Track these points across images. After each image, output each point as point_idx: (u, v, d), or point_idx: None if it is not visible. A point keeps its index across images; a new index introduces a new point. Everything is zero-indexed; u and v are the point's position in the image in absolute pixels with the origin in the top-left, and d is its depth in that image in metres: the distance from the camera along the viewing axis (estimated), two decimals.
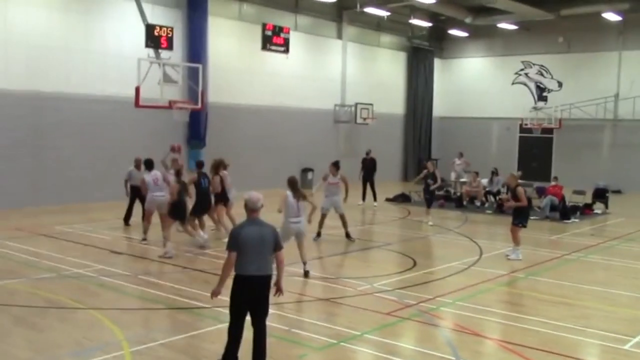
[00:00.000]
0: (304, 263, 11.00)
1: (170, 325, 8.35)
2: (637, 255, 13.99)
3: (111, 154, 19.69)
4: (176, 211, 12.63)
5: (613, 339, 8.10)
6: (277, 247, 6.65)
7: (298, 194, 11.13)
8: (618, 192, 26.24)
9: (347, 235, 14.62)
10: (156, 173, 13.92)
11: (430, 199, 17.80)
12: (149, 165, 14.06)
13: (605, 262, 12.96)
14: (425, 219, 17.58)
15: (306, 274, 10.90)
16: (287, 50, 25.31)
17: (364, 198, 21.32)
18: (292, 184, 11.27)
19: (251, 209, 6.58)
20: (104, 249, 12.88)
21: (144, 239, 13.87)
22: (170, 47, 17.06)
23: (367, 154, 22.17)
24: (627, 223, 19.10)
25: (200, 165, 14.25)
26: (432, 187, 17.66)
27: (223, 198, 14.20)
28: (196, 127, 22.20)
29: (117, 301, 9.50)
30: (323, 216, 14.56)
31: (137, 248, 13.36)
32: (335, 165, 14.92)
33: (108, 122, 20.13)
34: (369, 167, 21.75)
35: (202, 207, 13.86)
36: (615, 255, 13.95)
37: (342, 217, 14.66)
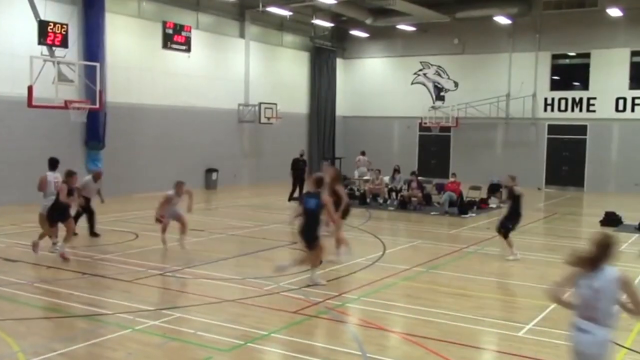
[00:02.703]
0: None
1: (69, 334, 8.02)
2: (529, 246, 14.74)
3: (3, 156, 18.69)
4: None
5: (509, 326, 8.51)
6: None
7: None
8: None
9: None
10: (57, 175, 12.99)
11: (508, 226, 13.28)
12: (54, 164, 13.13)
13: (500, 254, 13.57)
14: (509, 253, 13.16)
15: None
16: (188, 49, 25.02)
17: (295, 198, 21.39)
18: None
19: None
20: None
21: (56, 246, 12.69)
22: (65, 44, 16.43)
23: (301, 155, 22.25)
24: None
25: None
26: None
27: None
28: (94, 128, 21.42)
29: (11, 311, 9.02)
30: None
31: (33, 255, 12.67)
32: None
33: None
34: (302, 168, 21.87)
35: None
36: None
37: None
